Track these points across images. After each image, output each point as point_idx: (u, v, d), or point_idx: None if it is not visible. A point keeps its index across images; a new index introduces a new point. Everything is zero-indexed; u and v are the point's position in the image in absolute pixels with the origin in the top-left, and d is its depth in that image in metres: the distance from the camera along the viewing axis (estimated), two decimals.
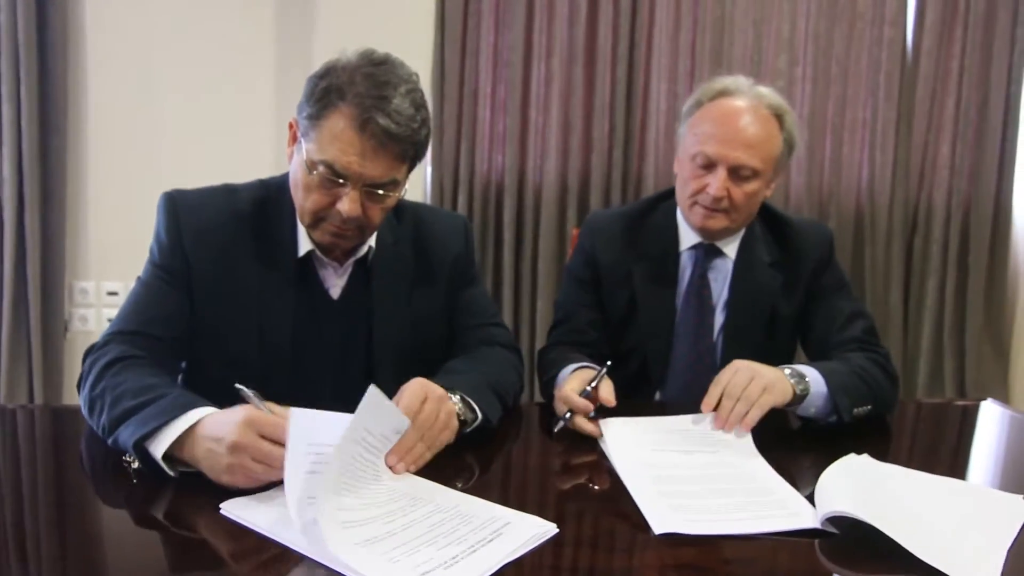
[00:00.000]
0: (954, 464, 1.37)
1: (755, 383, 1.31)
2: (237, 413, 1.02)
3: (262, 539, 0.92)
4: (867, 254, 3.09)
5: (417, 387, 1.18)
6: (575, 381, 1.37)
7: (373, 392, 0.99)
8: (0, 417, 1.37)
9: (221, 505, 0.98)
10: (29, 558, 0.87)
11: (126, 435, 1.07)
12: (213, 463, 1.02)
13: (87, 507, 1.04)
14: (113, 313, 2.83)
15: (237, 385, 1.04)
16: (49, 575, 0.86)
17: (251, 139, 2.89)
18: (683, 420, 1.36)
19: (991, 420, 1.59)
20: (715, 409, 1.32)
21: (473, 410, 1.26)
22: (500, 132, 3.00)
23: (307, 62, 2.83)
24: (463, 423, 1.24)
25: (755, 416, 1.28)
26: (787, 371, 1.37)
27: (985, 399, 1.66)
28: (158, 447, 1.05)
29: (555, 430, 1.33)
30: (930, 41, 2.98)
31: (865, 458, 1.22)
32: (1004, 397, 3.14)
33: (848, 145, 3.06)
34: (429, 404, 1.16)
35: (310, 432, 0.97)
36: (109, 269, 2.90)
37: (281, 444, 0.98)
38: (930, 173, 3.07)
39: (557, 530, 0.96)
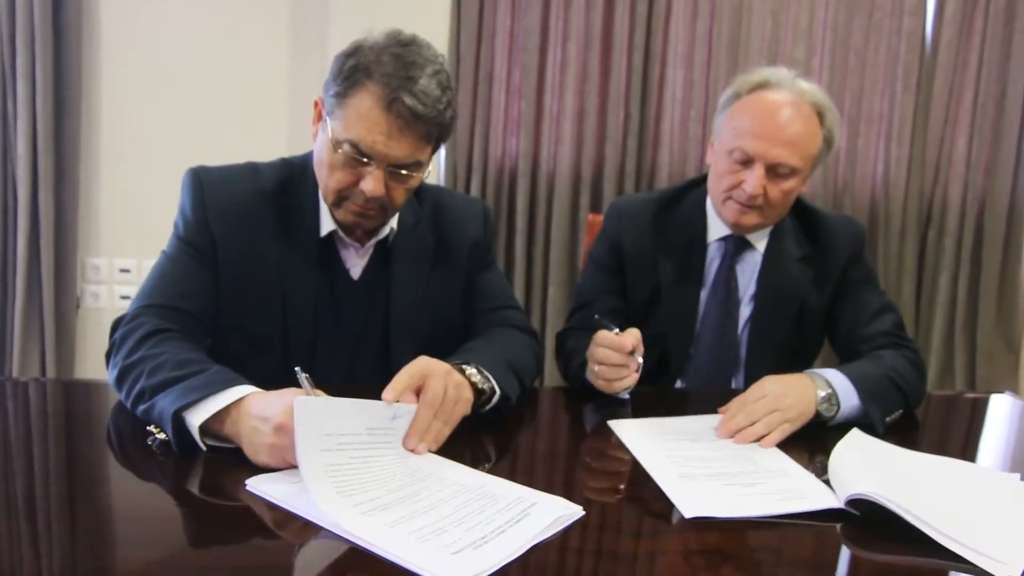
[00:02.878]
0: (967, 456, 1.36)
1: (775, 416, 1.26)
2: (287, 396, 1.01)
3: (289, 515, 0.91)
4: (880, 247, 3.08)
5: (417, 366, 1.14)
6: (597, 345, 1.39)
7: (300, 404, 0.96)
8: (13, 390, 1.37)
9: (247, 481, 0.97)
10: (40, 532, 0.87)
11: (165, 402, 1.07)
12: (255, 441, 1.01)
13: (99, 480, 1.03)
14: (125, 290, 2.88)
15: (296, 368, 1.04)
16: (60, 549, 0.84)
17: (264, 121, 2.88)
18: (694, 420, 1.33)
19: (1005, 411, 1.58)
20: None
21: (489, 381, 1.24)
22: (515, 117, 2.99)
23: (322, 44, 2.82)
24: (479, 392, 1.22)
25: (773, 439, 1.24)
26: (821, 394, 1.32)
27: (1002, 391, 1.66)
28: (197, 417, 1.05)
29: (625, 397, 1.40)
30: (950, 33, 2.95)
31: (865, 435, 1.26)
32: (1015, 392, 3.13)
33: (864, 137, 3.04)
34: (434, 380, 1.13)
35: (319, 420, 0.98)
36: (121, 246, 2.91)
37: None
38: (946, 167, 3.05)
39: (583, 512, 0.96)
